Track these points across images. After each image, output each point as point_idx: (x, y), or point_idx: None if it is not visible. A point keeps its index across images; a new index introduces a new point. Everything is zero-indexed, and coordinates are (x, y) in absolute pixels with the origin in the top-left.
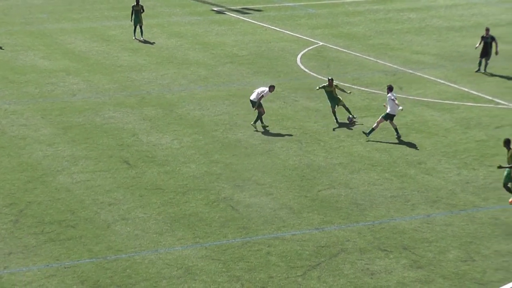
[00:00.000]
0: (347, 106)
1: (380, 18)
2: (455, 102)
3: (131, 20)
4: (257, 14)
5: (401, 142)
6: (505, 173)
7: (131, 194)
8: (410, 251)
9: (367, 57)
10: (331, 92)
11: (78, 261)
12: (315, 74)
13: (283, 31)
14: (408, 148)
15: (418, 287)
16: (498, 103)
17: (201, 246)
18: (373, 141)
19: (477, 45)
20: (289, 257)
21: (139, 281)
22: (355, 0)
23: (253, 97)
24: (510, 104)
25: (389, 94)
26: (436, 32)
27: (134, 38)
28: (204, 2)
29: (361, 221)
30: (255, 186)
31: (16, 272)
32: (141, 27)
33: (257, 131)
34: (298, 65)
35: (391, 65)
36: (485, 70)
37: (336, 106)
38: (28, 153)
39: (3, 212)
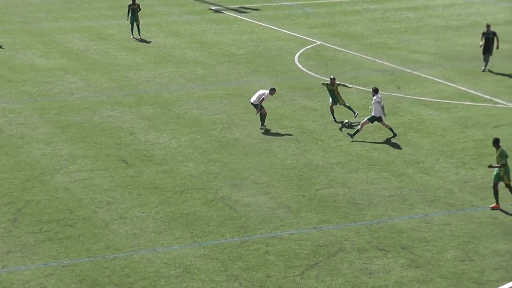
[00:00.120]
0: (348, 105)
1: (377, 17)
2: (453, 101)
3: (127, 19)
4: (255, 13)
5: (399, 141)
6: (495, 172)
7: (129, 193)
8: (408, 250)
9: (365, 56)
10: (332, 91)
11: (76, 260)
12: (312, 73)
13: (281, 30)
14: (406, 147)
15: (416, 286)
16: (496, 102)
17: (199, 245)
18: (371, 140)
19: (481, 43)
20: (287, 256)
21: (137, 280)
22: None
23: (253, 99)
24: (508, 104)
25: (375, 97)
26: (434, 31)
27: (131, 37)
28: (202, 1)
29: (359, 221)
30: (253, 185)
31: (15, 271)
32: (138, 26)
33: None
34: (296, 64)
35: (388, 64)
36: (485, 67)
37: (336, 105)
38: (26, 152)
39: (1, 211)
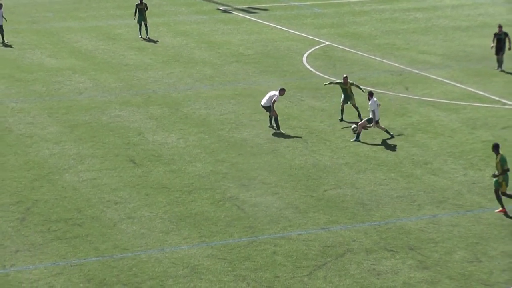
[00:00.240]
0: (357, 106)
1: (386, 18)
2: (461, 103)
3: (134, 19)
4: (263, 13)
5: (407, 142)
6: (495, 178)
7: (137, 193)
8: (416, 251)
9: (373, 57)
10: (345, 90)
11: (84, 259)
12: (321, 74)
13: (289, 30)
14: (414, 148)
15: (424, 287)
16: (504, 104)
17: (207, 245)
18: (379, 141)
19: (492, 44)
20: (295, 257)
21: (145, 280)
22: None
23: (264, 102)
24: None
25: (374, 100)
26: (442, 32)
27: (139, 37)
28: (210, 1)
29: (367, 221)
30: (261, 186)
31: (23, 270)
32: (146, 25)
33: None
34: (304, 65)
35: (397, 65)
36: (499, 66)
37: (347, 104)
38: (35, 151)
39: (10, 210)
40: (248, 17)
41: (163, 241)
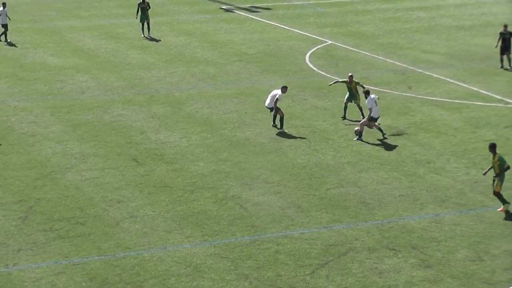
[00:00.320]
0: (361, 106)
1: (389, 17)
2: (464, 102)
3: (136, 17)
4: (265, 12)
5: (409, 141)
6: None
7: (140, 192)
8: (418, 250)
9: (376, 56)
10: (350, 89)
11: (87, 258)
12: (323, 73)
13: (292, 29)
14: (417, 147)
15: (427, 286)
16: (507, 103)
17: (210, 244)
18: (381, 140)
19: (496, 43)
20: (297, 256)
21: (147, 279)
22: None
23: (267, 102)
24: None
25: (372, 97)
26: (445, 31)
27: (142, 36)
28: (213, 0)
29: (369, 220)
30: (264, 185)
31: (25, 268)
32: (148, 24)
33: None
34: (307, 64)
35: (400, 64)
36: (509, 65)
37: (351, 102)
38: (37, 150)
39: (12, 209)
40: (251, 16)
41: (166, 240)
